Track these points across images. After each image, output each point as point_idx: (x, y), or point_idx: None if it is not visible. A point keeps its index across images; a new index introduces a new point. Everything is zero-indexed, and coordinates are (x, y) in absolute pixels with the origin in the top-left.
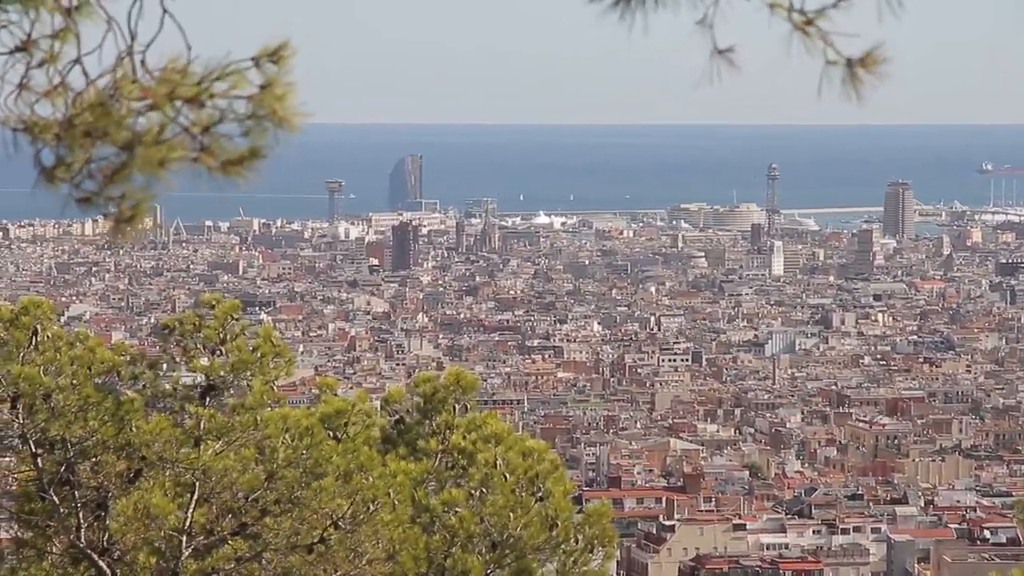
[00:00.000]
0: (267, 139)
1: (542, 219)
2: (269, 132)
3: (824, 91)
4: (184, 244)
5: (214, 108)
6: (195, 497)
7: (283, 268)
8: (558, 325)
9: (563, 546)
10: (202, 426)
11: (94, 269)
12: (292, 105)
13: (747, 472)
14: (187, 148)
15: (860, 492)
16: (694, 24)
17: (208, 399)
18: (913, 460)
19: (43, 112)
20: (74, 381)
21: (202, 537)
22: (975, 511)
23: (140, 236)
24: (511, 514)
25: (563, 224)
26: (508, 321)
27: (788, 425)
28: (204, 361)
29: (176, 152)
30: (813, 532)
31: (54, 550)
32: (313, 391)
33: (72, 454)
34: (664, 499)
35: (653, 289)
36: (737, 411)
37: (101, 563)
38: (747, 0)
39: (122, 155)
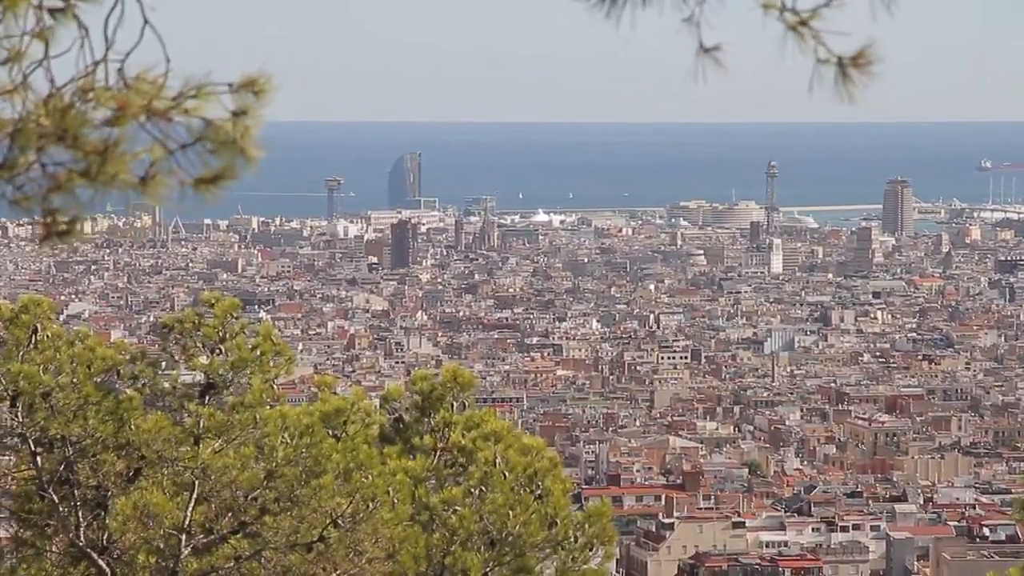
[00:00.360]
0: (233, 162)
1: (541, 217)
2: (230, 158)
3: (816, 90)
4: (183, 242)
5: (182, 125)
6: (194, 496)
7: (282, 266)
8: (557, 323)
9: (562, 544)
10: (201, 424)
11: (93, 267)
12: (255, 139)
13: (746, 470)
14: (148, 172)
15: (859, 490)
16: (681, 22)
17: (207, 397)
18: (912, 457)
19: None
20: (73, 380)
21: (202, 536)
22: (974, 508)
23: (141, 229)
24: (510, 512)
25: (562, 222)
26: (507, 319)
27: (787, 423)
28: (203, 360)
29: (129, 174)
30: (812, 530)
31: (54, 549)
32: (312, 389)
33: (71, 453)
34: (663, 497)
35: (652, 287)
36: (736, 409)
37: (101, 562)
38: None
39: (81, 164)
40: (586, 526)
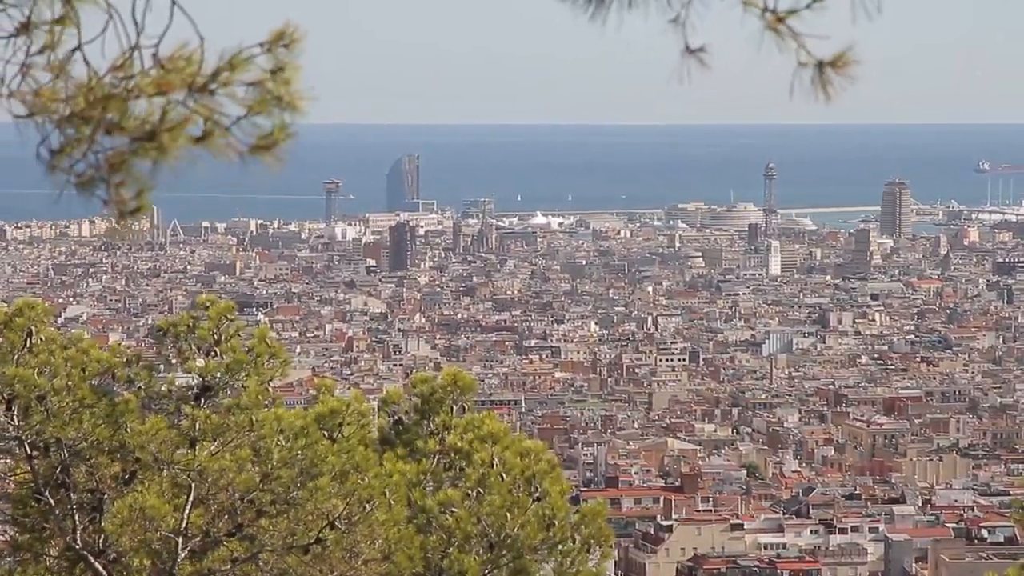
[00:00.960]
0: (283, 121)
1: (539, 219)
2: (278, 116)
3: (796, 93)
4: (181, 245)
5: (225, 95)
6: (191, 498)
7: (280, 269)
8: (555, 325)
9: (560, 546)
10: (197, 427)
11: (91, 270)
12: (297, 89)
13: (745, 472)
14: (205, 131)
15: (858, 491)
16: (667, 23)
17: (203, 400)
18: (911, 459)
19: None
20: (69, 383)
21: (198, 538)
22: (973, 510)
23: (139, 232)
24: (508, 514)
25: (560, 224)
26: (505, 321)
27: (786, 425)
28: (199, 362)
29: (187, 136)
30: (811, 532)
31: (50, 552)
32: (311, 392)
33: (67, 456)
34: (662, 499)
35: (650, 289)
36: (735, 411)
37: (97, 565)
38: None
39: (132, 145)
40: (583, 527)
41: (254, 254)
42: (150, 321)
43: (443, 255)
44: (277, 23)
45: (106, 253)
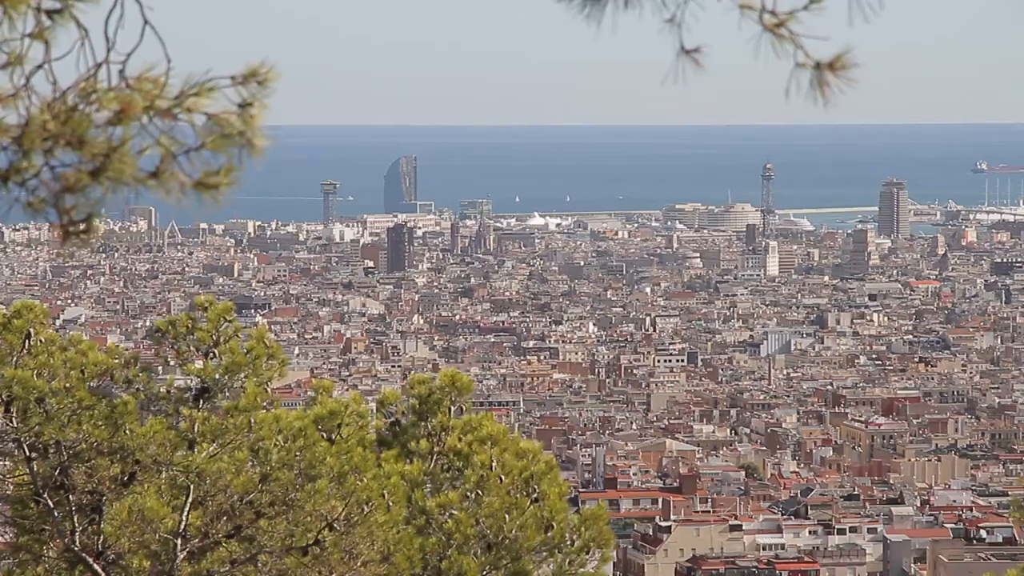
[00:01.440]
0: (235, 160)
1: (537, 220)
2: (234, 154)
3: (793, 95)
4: (179, 247)
5: (186, 121)
6: (190, 500)
7: (278, 270)
8: (553, 326)
9: (559, 547)
10: (196, 429)
11: (89, 272)
12: (260, 128)
13: (743, 473)
14: (158, 168)
15: (856, 492)
16: (663, 23)
17: (202, 401)
18: (909, 460)
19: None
20: (68, 385)
21: (197, 540)
22: (971, 511)
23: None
24: (506, 516)
25: (558, 225)
26: (503, 322)
27: (784, 425)
28: (198, 364)
29: (136, 170)
30: (809, 532)
31: (49, 554)
32: (309, 393)
33: (66, 458)
34: (660, 500)
35: (648, 290)
36: (733, 412)
37: (96, 566)
38: (719, 0)
39: (90, 164)
40: (582, 529)
41: (252, 255)
42: (148, 323)
43: (441, 256)
44: (270, 30)
45: (104, 255)
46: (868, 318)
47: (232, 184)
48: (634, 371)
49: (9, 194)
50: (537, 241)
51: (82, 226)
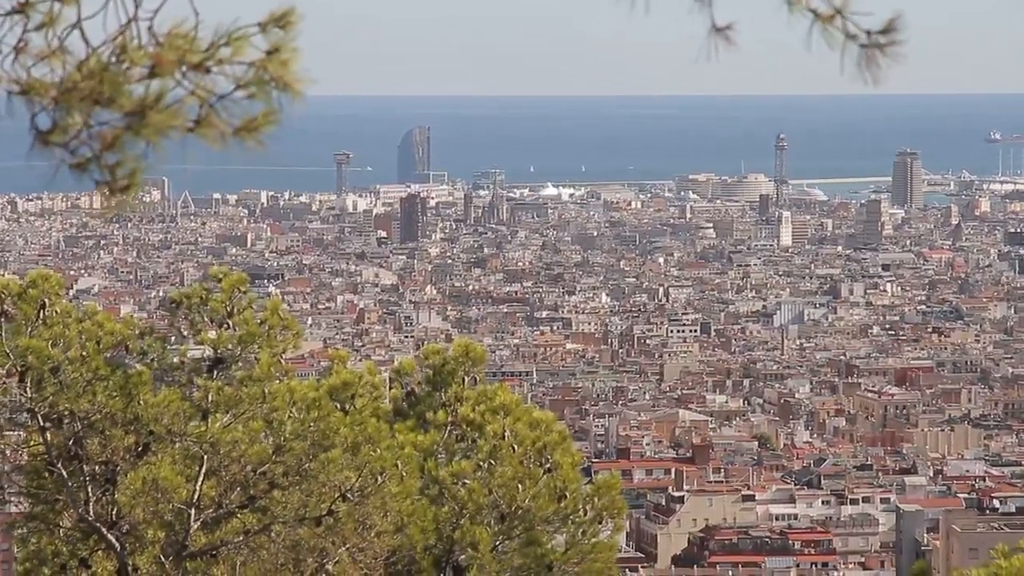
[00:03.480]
0: (274, 105)
1: (550, 191)
2: (273, 98)
3: (843, 69)
4: (192, 217)
5: (220, 74)
6: (203, 470)
7: (291, 241)
8: (566, 297)
9: (572, 517)
10: (210, 399)
11: (102, 242)
12: (296, 71)
13: (756, 443)
14: (193, 116)
15: (869, 462)
16: (693, 1)
17: (216, 372)
18: (922, 430)
19: (40, 76)
20: (82, 355)
21: (211, 510)
22: (984, 481)
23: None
24: (519, 486)
25: (571, 196)
26: (516, 293)
27: (797, 396)
28: (212, 334)
29: (181, 119)
30: (822, 502)
31: (64, 523)
32: (323, 364)
33: (80, 428)
34: (673, 470)
35: (661, 260)
36: (746, 382)
37: (110, 536)
38: None
39: (126, 121)
40: (595, 499)
41: (265, 226)
42: (161, 293)
43: (454, 227)
44: (280, 2)
45: (117, 225)
46: (881, 288)
47: (275, 124)
48: (647, 341)
49: (54, 155)
50: (550, 212)
51: (126, 182)
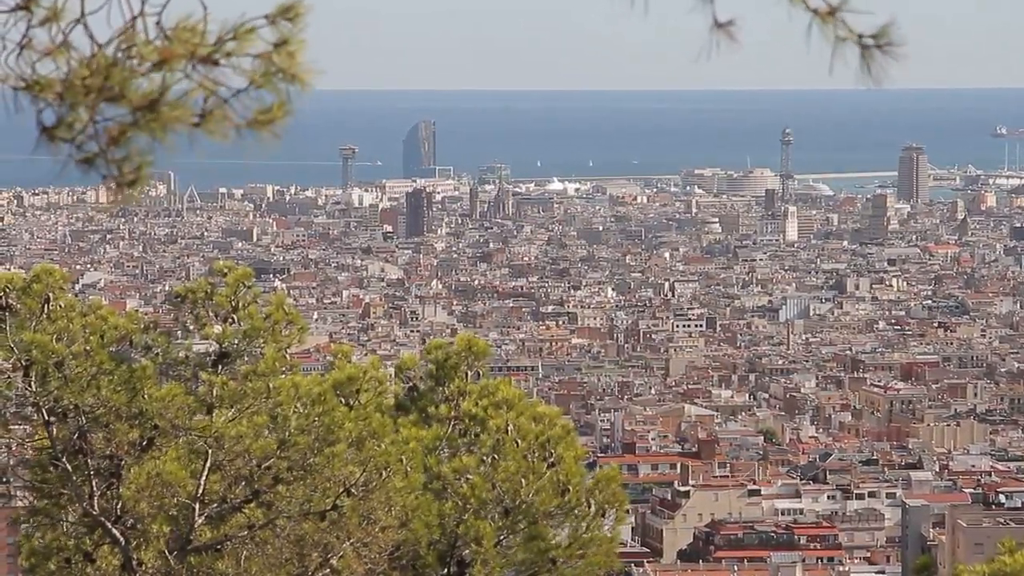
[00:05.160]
0: (284, 95)
1: (556, 185)
2: (282, 90)
3: (843, 67)
4: (198, 211)
5: (228, 67)
6: (208, 465)
7: (297, 235)
8: (572, 291)
9: (575, 511)
10: (215, 393)
11: (108, 237)
12: (304, 63)
13: (762, 438)
14: (204, 109)
15: (875, 457)
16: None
17: (221, 366)
18: (928, 425)
19: (45, 71)
20: (87, 349)
21: (215, 505)
22: (990, 476)
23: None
24: (523, 480)
25: (577, 190)
26: (522, 287)
27: (803, 390)
28: (217, 329)
29: (186, 113)
30: (828, 497)
31: (68, 518)
32: (328, 358)
33: (85, 422)
34: (679, 465)
35: (667, 255)
36: (751, 376)
37: (115, 531)
38: None
39: (133, 115)
40: (596, 492)
41: (271, 220)
42: (167, 287)
43: (460, 221)
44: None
45: (123, 219)
46: (887, 283)
47: (288, 115)
48: (652, 336)
49: (60, 151)
50: (556, 206)
51: (132, 176)
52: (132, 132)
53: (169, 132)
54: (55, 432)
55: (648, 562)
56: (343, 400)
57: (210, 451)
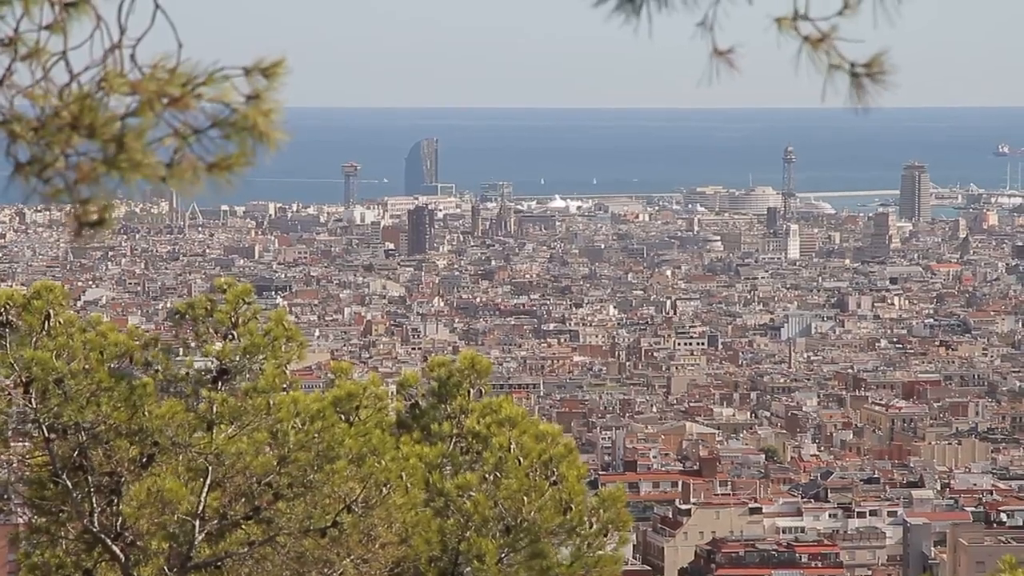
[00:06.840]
0: (249, 148)
1: (558, 203)
2: (248, 144)
3: (829, 96)
4: (200, 228)
5: (199, 112)
6: (208, 481)
7: (299, 252)
8: (574, 309)
9: (577, 530)
10: (215, 410)
11: (110, 254)
12: (275, 123)
13: (763, 456)
14: (173, 160)
15: (876, 475)
16: (695, 26)
17: (221, 383)
18: (929, 443)
19: (24, 107)
20: (87, 366)
21: (215, 521)
22: (991, 494)
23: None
24: (525, 498)
25: (579, 208)
26: (524, 305)
27: (804, 409)
28: (217, 345)
29: (154, 163)
30: (829, 515)
31: (68, 535)
32: (328, 375)
33: (85, 439)
34: (680, 483)
35: (669, 273)
36: (753, 395)
37: (115, 547)
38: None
39: (104, 151)
40: (601, 511)
41: (273, 237)
42: (168, 304)
43: (461, 239)
44: (296, 7)
45: (125, 236)
46: (889, 301)
47: (248, 166)
48: (654, 354)
49: (28, 184)
50: (558, 224)
51: (95, 217)
52: (102, 171)
53: (137, 175)
54: (55, 449)
55: None
56: (343, 417)
57: (210, 468)
